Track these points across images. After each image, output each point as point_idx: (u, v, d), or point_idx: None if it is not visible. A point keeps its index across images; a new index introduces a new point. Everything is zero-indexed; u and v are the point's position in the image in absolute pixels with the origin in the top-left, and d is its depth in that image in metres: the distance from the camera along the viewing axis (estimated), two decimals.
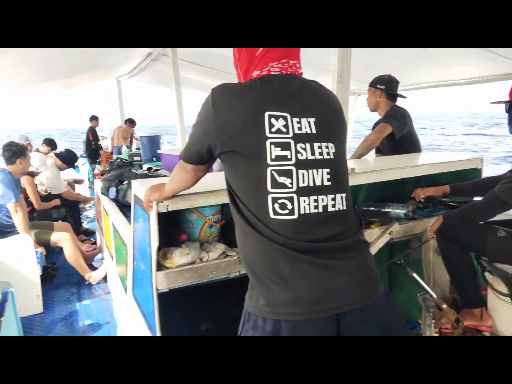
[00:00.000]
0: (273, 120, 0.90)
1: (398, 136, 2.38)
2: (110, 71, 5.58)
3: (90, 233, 4.59)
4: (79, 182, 5.53)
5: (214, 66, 4.83)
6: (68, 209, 4.16)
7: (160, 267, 1.46)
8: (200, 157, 1.03)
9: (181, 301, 1.75)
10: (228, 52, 4.02)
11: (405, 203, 2.08)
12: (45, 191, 4.11)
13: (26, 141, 4.78)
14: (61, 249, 3.30)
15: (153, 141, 4.97)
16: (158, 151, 3.63)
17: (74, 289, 3.19)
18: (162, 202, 1.35)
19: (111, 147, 8.09)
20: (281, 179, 0.89)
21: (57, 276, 3.44)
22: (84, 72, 4.73)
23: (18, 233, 2.92)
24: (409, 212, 1.97)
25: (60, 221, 3.83)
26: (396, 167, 1.79)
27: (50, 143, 5.00)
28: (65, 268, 3.55)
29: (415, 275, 1.76)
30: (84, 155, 9.85)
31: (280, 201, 0.89)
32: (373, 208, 2.08)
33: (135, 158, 5.05)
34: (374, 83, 2.48)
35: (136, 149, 8.25)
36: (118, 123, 8.40)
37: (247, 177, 0.91)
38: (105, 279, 3.29)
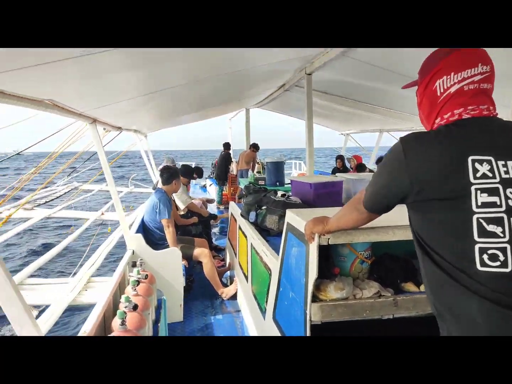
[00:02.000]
0: (477, 165, 0.85)
1: None
2: (243, 102, 6.08)
3: (218, 250, 4.96)
4: (211, 201, 6.06)
5: (346, 95, 4.86)
6: (204, 226, 4.58)
7: (313, 298, 1.49)
8: (385, 207, 1.05)
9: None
10: (359, 81, 4.03)
11: None
12: (184, 210, 4.62)
13: (173, 163, 5.48)
14: (199, 263, 3.64)
15: (278, 167, 5.21)
16: (289, 178, 3.77)
17: (208, 302, 3.46)
18: (324, 235, 1.39)
19: (236, 170, 8.75)
20: (490, 228, 0.82)
21: (193, 288, 3.78)
22: (222, 104, 5.24)
23: (168, 246, 3.33)
24: None
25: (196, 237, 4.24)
26: None
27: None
28: (199, 280, 3.89)
29: None
30: (212, 176, 10.85)
31: (490, 251, 0.82)
32: None
33: (260, 182, 5.37)
34: None
35: (257, 172, 8.78)
36: (243, 148, 9.04)
37: (448, 225, 0.87)
38: (234, 296, 3.49)
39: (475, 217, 0.83)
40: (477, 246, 0.83)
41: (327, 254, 1.70)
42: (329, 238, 1.40)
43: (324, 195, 3.02)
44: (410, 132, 0.99)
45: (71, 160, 5.14)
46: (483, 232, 0.83)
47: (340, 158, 7.46)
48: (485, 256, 0.82)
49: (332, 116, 6.89)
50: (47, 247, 7.62)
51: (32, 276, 3.25)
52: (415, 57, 1.31)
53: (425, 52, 1.03)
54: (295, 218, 1.65)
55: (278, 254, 1.97)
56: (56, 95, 1.84)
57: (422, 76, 1.02)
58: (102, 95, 2.46)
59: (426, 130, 1.01)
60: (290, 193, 3.37)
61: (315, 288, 1.50)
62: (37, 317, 2.29)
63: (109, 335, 1.40)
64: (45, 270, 6.16)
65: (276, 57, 3.21)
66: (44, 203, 5.72)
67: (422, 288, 1.53)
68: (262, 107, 7.38)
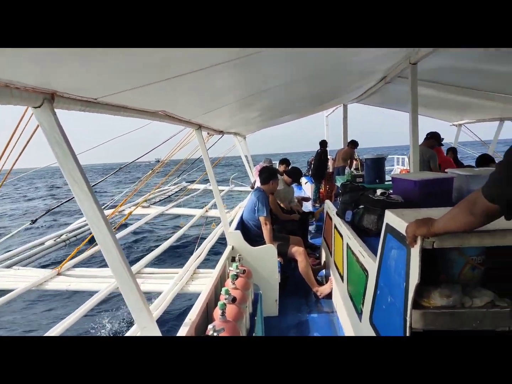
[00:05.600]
0: None
1: None
2: (340, 98, 5.92)
3: (313, 248, 4.93)
4: (306, 200, 6.06)
5: (459, 83, 4.38)
6: (300, 223, 4.60)
7: (414, 304, 1.39)
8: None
9: None
10: (477, 65, 3.58)
11: None
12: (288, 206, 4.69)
13: (270, 163, 5.65)
14: (294, 260, 3.68)
15: (378, 163, 4.93)
16: (391, 175, 3.55)
17: (303, 300, 3.48)
18: (428, 238, 1.28)
19: (332, 167, 8.58)
20: None
21: (288, 285, 3.84)
22: (319, 102, 5.17)
23: (264, 243, 3.44)
24: None
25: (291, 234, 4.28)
26: None
27: (285, 161, 5.78)
28: (293, 278, 3.94)
29: None
30: (307, 174, 10.85)
31: None
32: None
33: (358, 180, 5.16)
34: None
35: (355, 169, 8.47)
36: (340, 145, 8.81)
37: None
38: (329, 295, 3.44)
39: None
40: None
41: (430, 257, 1.56)
42: (434, 242, 1.29)
43: (431, 194, 2.75)
44: None
45: (178, 164, 5.67)
46: None
47: (452, 150, 6.53)
48: None
49: (441, 106, 6.26)
50: (161, 240, 8.53)
51: (147, 266, 3.68)
52: None
53: None
54: (395, 219, 1.56)
55: (375, 256, 1.89)
56: (167, 107, 2.06)
57: None
58: (207, 102, 2.66)
59: None
60: (391, 191, 3.17)
61: (417, 294, 1.40)
62: (151, 303, 2.60)
63: (209, 335, 1.53)
64: (159, 261, 6.89)
65: (376, 51, 3.05)
66: (158, 201, 6.40)
67: None
68: (360, 101, 7.08)
